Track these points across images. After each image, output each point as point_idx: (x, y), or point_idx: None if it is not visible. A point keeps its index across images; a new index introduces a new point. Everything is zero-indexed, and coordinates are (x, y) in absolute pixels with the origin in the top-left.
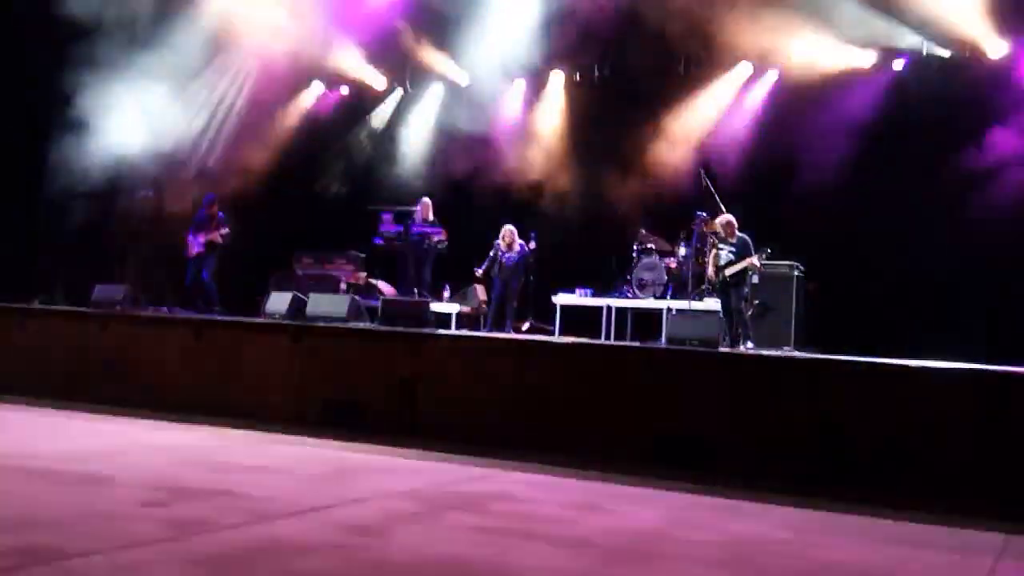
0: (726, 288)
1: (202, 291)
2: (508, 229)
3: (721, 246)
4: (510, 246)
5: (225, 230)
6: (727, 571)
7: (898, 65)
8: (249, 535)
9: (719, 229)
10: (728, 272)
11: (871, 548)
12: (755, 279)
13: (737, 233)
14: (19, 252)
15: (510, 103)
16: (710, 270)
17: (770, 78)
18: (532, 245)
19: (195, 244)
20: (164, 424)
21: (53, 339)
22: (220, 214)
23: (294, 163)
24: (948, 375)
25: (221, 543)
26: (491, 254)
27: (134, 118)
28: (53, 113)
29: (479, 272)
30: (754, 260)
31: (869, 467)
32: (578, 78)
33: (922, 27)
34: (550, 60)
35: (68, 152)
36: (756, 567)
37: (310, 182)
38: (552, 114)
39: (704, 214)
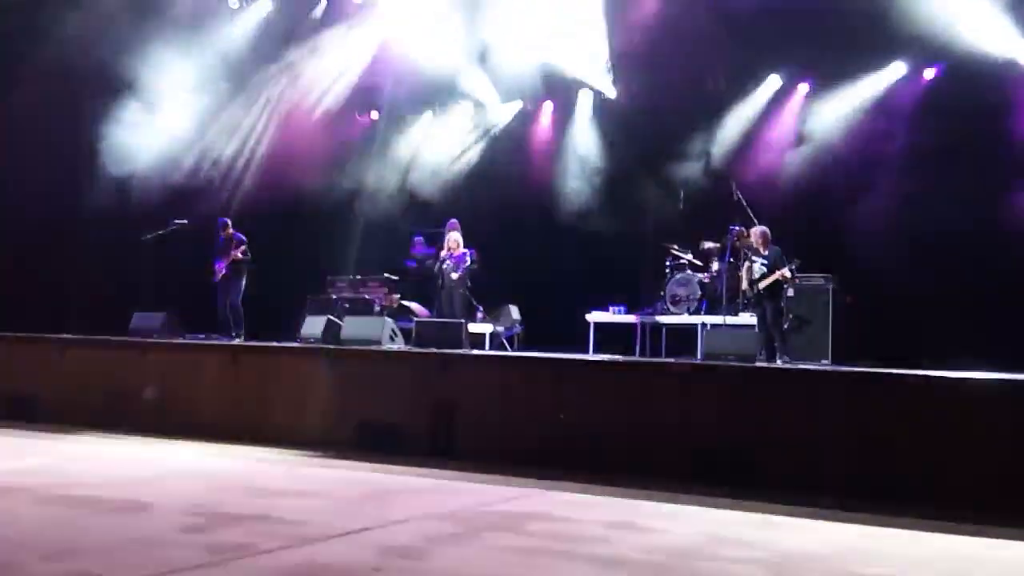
0: (760, 301)
1: (231, 315)
2: (450, 236)
3: (755, 259)
4: (452, 254)
5: (243, 247)
6: None
7: (930, 73)
8: (288, 559)
9: (753, 241)
10: (760, 285)
11: (918, 564)
12: (790, 292)
13: (771, 245)
14: (58, 281)
15: (541, 122)
16: (744, 283)
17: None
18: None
19: (220, 270)
20: (202, 450)
21: (92, 367)
22: (236, 234)
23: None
24: (989, 386)
25: (260, 568)
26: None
27: (171, 144)
28: (89, 142)
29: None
30: (785, 272)
31: (911, 481)
32: (609, 95)
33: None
34: (581, 75)
35: (103, 180)
36: None
37: (346, 204)
38: (583, 132)
39: (738, 227)
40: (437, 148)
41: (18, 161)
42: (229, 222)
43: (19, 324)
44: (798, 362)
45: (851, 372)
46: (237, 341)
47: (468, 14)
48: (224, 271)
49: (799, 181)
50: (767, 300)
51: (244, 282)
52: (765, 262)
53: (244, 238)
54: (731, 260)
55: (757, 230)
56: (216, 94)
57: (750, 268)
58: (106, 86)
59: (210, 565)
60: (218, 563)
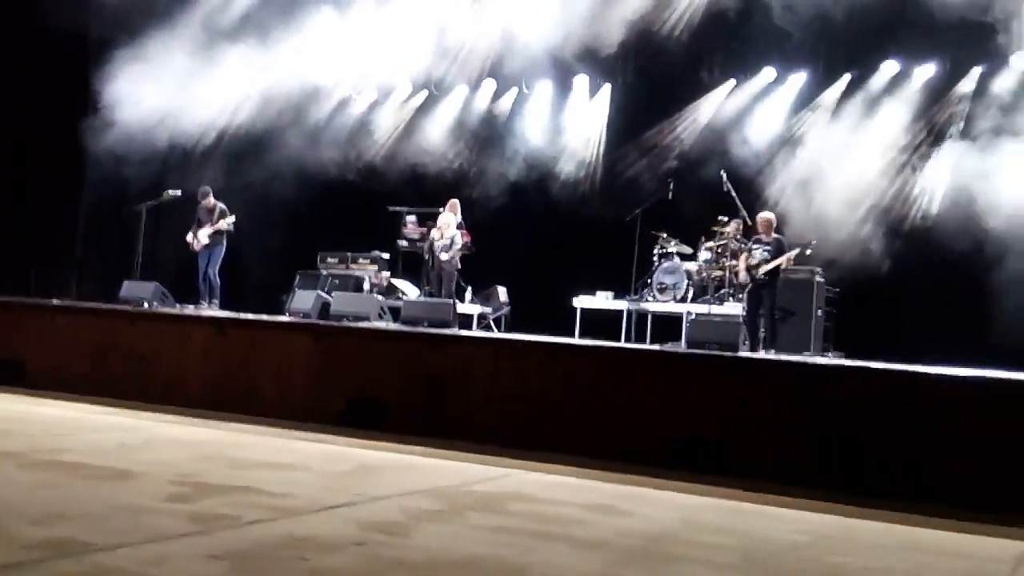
0: (758, 290)
1: (207, 285)
2: (441, 217)
3: (755, 246)
4: (442, 234)
5: (230, 219)
6: (742, 575)
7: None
8: (271, 531)
9: (758, 227)
10: (761, 271)
11: (889, 554)
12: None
13: (773, 233)
14: (51, 247)
15: (536, 104)
16: (741, 270)
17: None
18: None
19: (201, 238)
20: (188, 420)
21: (81, 335)
22: (219, 204)
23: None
24: (962, 382)
25: (243, 539)
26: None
27: (163, 112)
28: (87, 110)
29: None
30: (790, 255)
31: (885, 473)
32: (603, 80)
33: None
34: (575, 61)
35: (99, 150)
36: (772, 571)
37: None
38: (576, 116)
39: (725, 218)
40: (435, 128)
41: (15, 126)
42: (211, 191)
43: (10, 288)
44: (781, 354)
45: (824, 364)
46: (219, 312)
47: None
48: (206, 241)
49: (788, 173)
50: (765, 289)
51: (223, 252)
52: (768, 248)
53: (226, 209)
54: (718, 250)
55: (762, 216)
56: (217, 61)
57: (749, 255)
58: (105, 52)
59: (194, 534)
60: (202, 532)
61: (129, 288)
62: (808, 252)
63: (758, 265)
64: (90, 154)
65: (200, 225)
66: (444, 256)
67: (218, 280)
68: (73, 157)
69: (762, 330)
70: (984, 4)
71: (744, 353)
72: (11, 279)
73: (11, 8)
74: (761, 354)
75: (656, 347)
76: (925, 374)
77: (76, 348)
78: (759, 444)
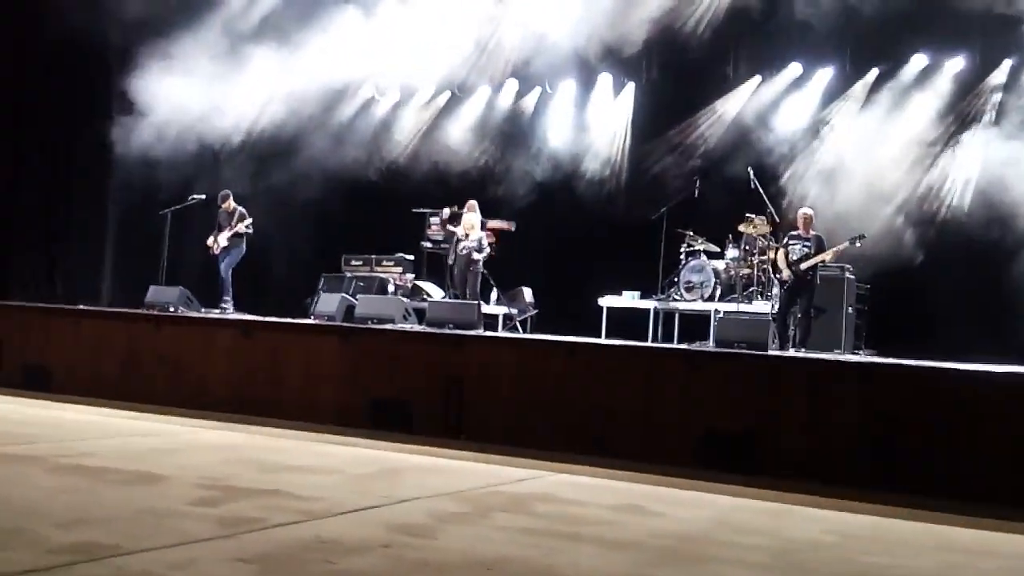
0: (798, 286)
1: (221, 284)
2: (466, 218)
3: (792, 242)
4: (467, 235)
5: (248, 221)
6: (775, 575)
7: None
8: (298, 534)
9: (799, 223)
10: (803, 266)
11: (921, 553)
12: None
13: (812, 231)
14: (79, 255)
15: (560, 104)
16: (783, 266)
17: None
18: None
19: (220, 241)
20: (214, 424)
21: (107, 340)
22: (238, 207)
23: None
24: (996, 378)
25: (270, 541)
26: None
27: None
28: (113, 115)
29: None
30: (838, 249)
31: (917, 472)
32: (627, 79)
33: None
34: (599, 61)
35: (127, 154)
36: (804, 571)
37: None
38: (600, 114)
39: (752, 215)
40: (459, 128)
41: (42, 132)
42: (230, 194)
43: (38, 294)
44: (811, 352)
45: (856, 362)
46: (245, 316)
47: None
48: (225, 244)
49: (816, 169)
50: (805, 286)
51: (242, 254)
52: (807, 244)
53: (245, 212)
54: (746, 247)
55: (802, 212)
56: (241, 64)
57: (787, 250)
58: (131, 58)
59: (221, 538)
60: (229, 536)
61: (154, 293)
62: (858, 244)
63: (799, 261)
64: (117, 159)
65: (220, 229)
66: (476, 256)
67: (230, 279)
68: (100, 162)
69: (792, 328)
70: None
71: (773, 351)
72: (39, 285)
73: (36, 14)
74: (791, 352)
75: (683, 346)
76: (957, 370)
77: (102, 353)
78: (790, 443)
